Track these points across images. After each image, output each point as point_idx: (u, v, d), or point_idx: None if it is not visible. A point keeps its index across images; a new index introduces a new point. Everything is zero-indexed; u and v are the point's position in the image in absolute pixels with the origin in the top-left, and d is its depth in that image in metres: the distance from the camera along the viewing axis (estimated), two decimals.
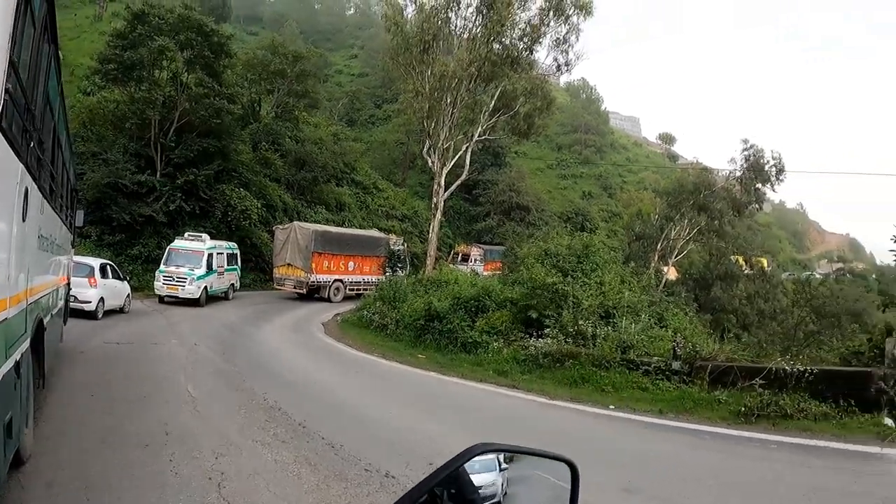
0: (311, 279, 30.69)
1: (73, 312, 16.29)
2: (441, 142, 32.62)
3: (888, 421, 9.19)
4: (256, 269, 36.02)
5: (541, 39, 33.76)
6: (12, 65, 4.03)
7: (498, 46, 32.73)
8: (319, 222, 38.05)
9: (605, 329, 15.20)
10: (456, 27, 33.25)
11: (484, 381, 14.10)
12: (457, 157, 33.71)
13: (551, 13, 32.86)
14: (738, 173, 43.35)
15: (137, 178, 30.60)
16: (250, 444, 7.95)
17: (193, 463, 7.02)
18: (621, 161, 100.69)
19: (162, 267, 25.25)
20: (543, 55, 35.41)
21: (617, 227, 67.18)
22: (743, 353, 13.37)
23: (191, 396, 10.38)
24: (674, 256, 42.95)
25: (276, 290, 32.02)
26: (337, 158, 48.46)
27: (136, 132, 32.30)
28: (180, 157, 32.36)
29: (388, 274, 32.70)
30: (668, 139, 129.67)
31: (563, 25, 33.42)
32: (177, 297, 24.88)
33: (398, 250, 36.71)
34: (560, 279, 17.57)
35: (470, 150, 34.43)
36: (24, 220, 5.20)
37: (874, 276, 72.12)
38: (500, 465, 2.25)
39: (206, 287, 25.58)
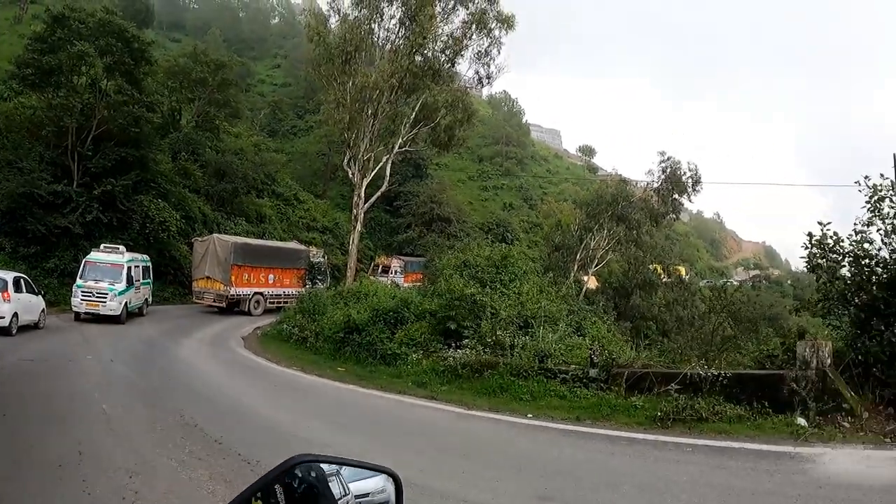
0: (231, 292, 30.21)
1: None
2: (362, 153, 32.49)
3: (801, 421, 9.36)
4: (175, 282, 35.24)
5: (463, 52, 34.21)
6: None
7: (420, 58, 32.94)
8: (239, 234, 37.47)
9: (524, 339, 15.10)
10: (379, 38, 33.31)
11: (403, 392, 14.07)
12: (377, 168, 33.64)
13: (474, 27, 33.30)
14: (656, 184, 44.50)
15: (53, 188, 29.40)
16: (165, 462, 7.83)
17: (107, 483, 6.94)
18: (542, 173, 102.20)
19: (79, 281, 23.36)
20: (465, 68, 35.78)
21: (537, 237, 67.82)
22: (659, 360, 13.51)
23: (106, 415, 10.23)
24: (594, 266, 43.52)
25: (196, 303, 31.35)
26: (258, 169, 48.03)
27: (52, 140, 31.13)
28: (98, 166, 31.22)
29: (308, 286, 32.44)
30: (588, 151, 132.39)
31: (485, 39, 33.91)
32: (97, 314, 23.05)
33: (318, 262, 36.57)
34: (478, 290, 17.60)
35: (391, 161, 34.42)
36: None
37: (789, 281, 75.53)
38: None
39: (126, 303, 24.05)
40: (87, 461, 7.56)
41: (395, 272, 48.26)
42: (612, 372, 12.30)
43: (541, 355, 13.98)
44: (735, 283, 58.77)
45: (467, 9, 33.29)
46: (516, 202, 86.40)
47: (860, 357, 10.26)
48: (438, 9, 32.75)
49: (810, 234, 11.64)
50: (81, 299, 23.13)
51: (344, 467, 2.26)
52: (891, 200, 10.78)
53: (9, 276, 19.12)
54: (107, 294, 23.09)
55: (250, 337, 24.03)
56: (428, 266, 37.26)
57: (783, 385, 10.01)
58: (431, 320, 17.92)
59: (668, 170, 43.91)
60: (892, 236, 10.78)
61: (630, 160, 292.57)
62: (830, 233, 11.43)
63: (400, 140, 33.81)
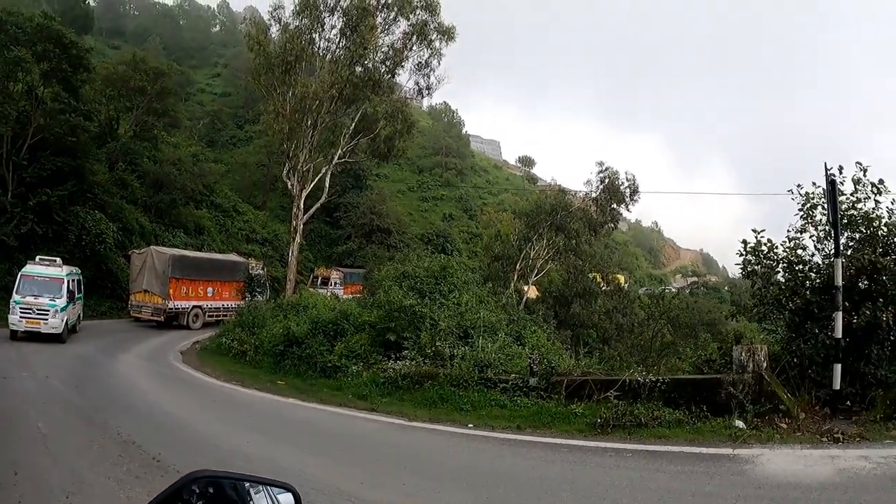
0: (169, 306, 29.80)
1: None
2: (301, 164, 32.26)
3: (739, 423, 9.47)
4: (112, 296, 34.36)
5: (404, 63, 34.37)
6: None
7: (360, 69, 32.96)
8: (178, 246, 36.94)
9: (463, 349, 15.07)
10: (320, 49, 33.16)
11: (343, 405, 13.92)
12: (317, 179, 33.43)
13: (415, 38, 33.43)
14: (595, 194, 45.26)
15: None
16: (102, 481, 7.69)
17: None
18: (482, 183, 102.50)
19: (16, 297, 21.44)
20: (406, 78, 35.79)
21: (477, 248, 68.11)
22: (599, 367, 13.59)
23: (42, 433, 9.96)
24: (534, 275, 43.80)
25: (134, 317, 30.64)
26: (196, 180, 47.51)
27: None
28: (33, 176, 30.39)
29: (247, 299, 32.15)
30: (527, 162, 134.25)
31: (425, 50, 34.07)
32: (38, 332, 21.18)
33: (258, 275, 36.11)
34: (418, 301, 17.50)
35: (330, 172, 34.28)
36: None
37: (726, 287, 77.23)
38: None
39: (67, 320, 22.30)
40: (23, 482, 7.43)
41: (335, 284, 48.26)
42: (552, 380, 12.28)
43: (481, 365, 13.96)
44: (674, 290, 60.05)
45: (408, 20, 33.45)
46: (456, 213, 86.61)
47: (795, 359, 10.47)
48: (380, 20, 32.83)
49: (745, 242, 11.85)
50: (21, 317, 21.25)
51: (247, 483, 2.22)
52: (822, 207, 11.04)
53: None
54: (48, 311, 21.35)
55: (189, 351, 23.67)
56: (368, 277, 37.37)
57: (721, 389, 10.11)
58: (371, 332, 17.76)
59: (607, 180, 44.81)
60: (825, 242, 11.03)
61: (569, 171, 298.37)
62: (765, 240, 11.66)
63: (339, 151, 33.72)
